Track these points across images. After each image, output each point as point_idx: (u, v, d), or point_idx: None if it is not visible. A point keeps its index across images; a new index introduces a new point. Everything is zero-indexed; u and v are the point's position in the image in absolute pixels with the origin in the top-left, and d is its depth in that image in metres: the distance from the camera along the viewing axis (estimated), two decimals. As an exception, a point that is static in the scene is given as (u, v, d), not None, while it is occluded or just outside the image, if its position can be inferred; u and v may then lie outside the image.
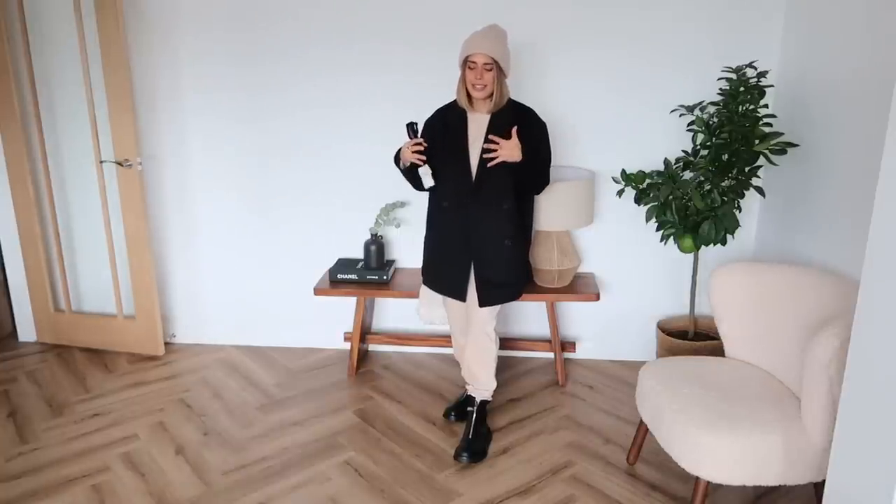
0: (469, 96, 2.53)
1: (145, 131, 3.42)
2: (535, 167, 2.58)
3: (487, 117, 2.54)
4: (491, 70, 2.43)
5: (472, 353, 2.72)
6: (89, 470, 2.57)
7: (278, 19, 3.20)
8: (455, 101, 2.60)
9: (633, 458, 2.57)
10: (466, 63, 2.46)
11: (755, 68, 2.83)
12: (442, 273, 2.70)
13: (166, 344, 3.65)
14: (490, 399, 2.78)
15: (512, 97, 2.61)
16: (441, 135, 2.61)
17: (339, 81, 3.26)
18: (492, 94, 2.50)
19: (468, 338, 2.73)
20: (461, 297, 2.64)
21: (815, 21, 2.73)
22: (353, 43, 3.20)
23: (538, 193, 2.75)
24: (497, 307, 2.68)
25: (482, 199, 2.54)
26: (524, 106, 2.62)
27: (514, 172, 2.51)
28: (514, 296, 2.73)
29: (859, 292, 1.54)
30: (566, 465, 2.58)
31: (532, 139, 2.55)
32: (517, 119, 2.53)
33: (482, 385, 2.73)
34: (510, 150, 2.45)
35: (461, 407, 2.90)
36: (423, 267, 2.80)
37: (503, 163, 2.47)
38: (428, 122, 2.68)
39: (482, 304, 2.61)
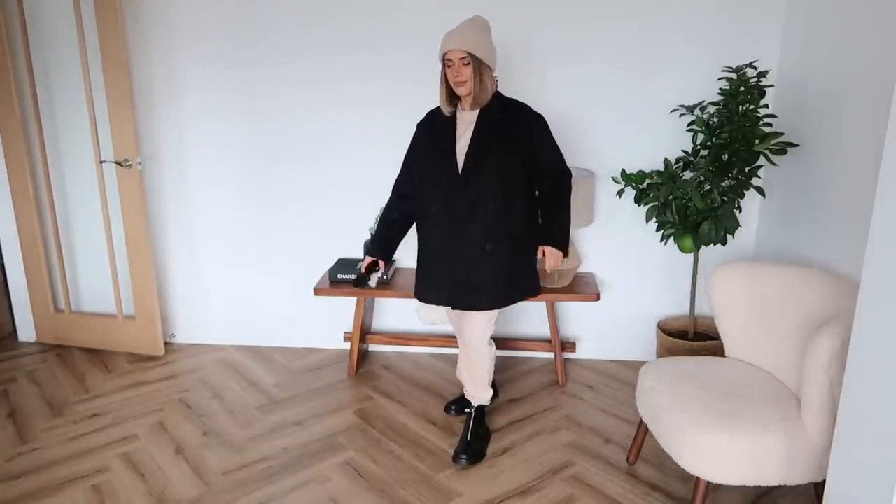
0: (452, 95, 2.45)
1: (145, 131, 3.42)
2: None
3: (475, 114, 2.45)
4: (468, 64, 2.33)
5: (462, 364, 2.72)
6: (89, 470, 2.57)
7: (278, 20, 3.20)
8: None
9: (633, 458, 2.57)
10: (444, 62, 2.38)
11: (755, 68, 2.83)
12: (428, 278, 2.59)
13: (166, 344, 3.65)
14: (487, 403, 2.76)
15: (512, 96, 2.54)
16: (429, 136, 2.55)
17: (339, 82, 3.26)
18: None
19: (460, 347, 2.70)
20: (444, 301, 2.55)
21: (815, 21, 2.73)
22: (354, 45, 3.20)
23: (568, 190, 2.54)
24: (491, 319, 2.59)
25: (469, 196, 2.43)
26: (515, 101, 2.50)
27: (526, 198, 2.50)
28: (492, 304, 2.51)
29: (859, 292, 1.54)
30: (566, 465, 2.58)
31: (525, 136, 2.44)
32: (507, 115, 2.44)
33: (472, 395, 2.72)
34: (554, 259, 2.47)
35: (462, 403, 2.91)
36: (415, 280, 2.67)
37: (493, 160, 2.39)
38: (419, 124, 2.62)
39: (454, 306, 2.53)
